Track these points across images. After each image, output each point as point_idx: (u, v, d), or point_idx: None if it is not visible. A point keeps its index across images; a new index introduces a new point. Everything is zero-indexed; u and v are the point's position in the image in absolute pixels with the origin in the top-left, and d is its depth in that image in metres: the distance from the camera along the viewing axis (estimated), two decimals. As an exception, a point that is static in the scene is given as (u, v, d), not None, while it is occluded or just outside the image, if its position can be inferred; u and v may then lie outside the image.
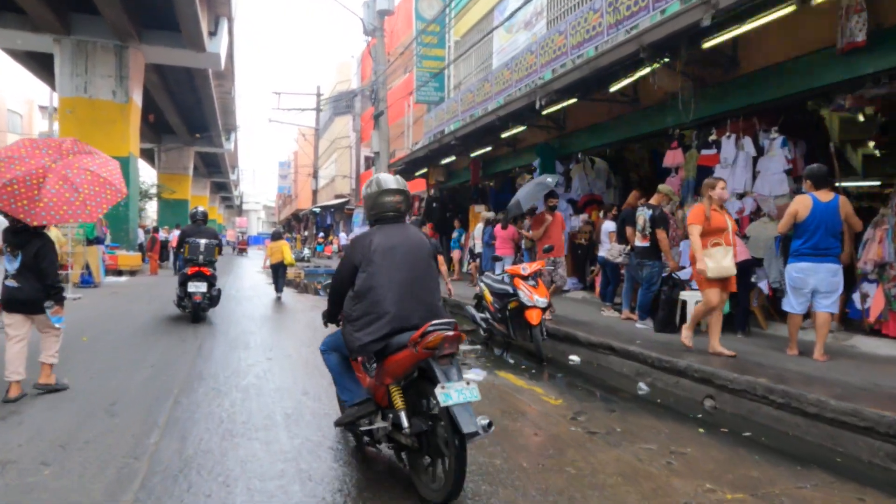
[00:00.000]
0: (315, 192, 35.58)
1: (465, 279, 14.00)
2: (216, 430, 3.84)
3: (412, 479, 3.00)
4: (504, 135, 11.58)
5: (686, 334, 5.66)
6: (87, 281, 13.34)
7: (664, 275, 6.88)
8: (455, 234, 15.20)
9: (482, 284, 7.51)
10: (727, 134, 7.36)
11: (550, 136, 11.18)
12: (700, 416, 4.52)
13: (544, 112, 9.72)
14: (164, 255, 21.41)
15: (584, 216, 10.87)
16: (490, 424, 2.71)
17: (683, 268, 7.25)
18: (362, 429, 3.20)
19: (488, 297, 7.23)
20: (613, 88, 8.10)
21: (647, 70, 6.99)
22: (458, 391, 2.71)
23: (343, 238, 30.17)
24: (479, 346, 7.31)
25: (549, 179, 7.54)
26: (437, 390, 2.69)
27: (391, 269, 3.04)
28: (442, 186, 17.31)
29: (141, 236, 21.01)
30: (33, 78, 25.18)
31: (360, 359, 3.33)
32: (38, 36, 18.74)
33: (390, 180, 3.23)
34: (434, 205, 17.20)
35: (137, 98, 20.45)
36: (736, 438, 3.98)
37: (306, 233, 41.46)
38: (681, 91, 7.24)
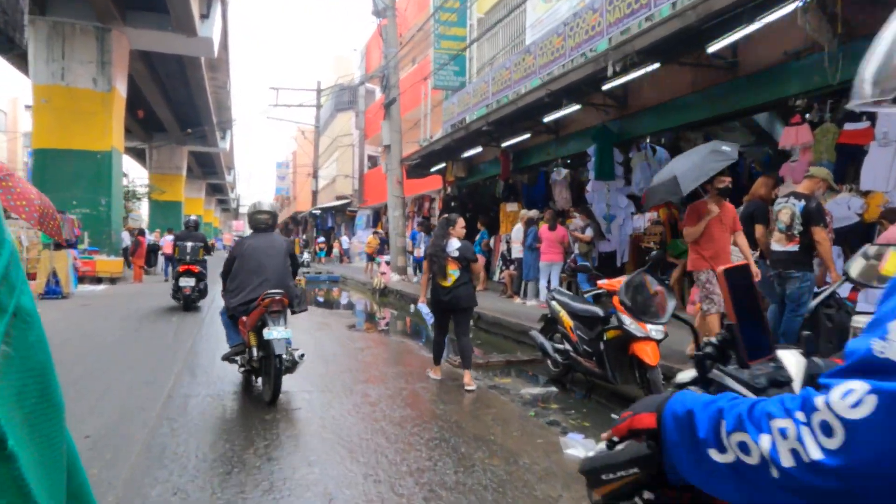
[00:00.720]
0: (315, 194, 33.55)
1: (495, 289, 12.05)
2: None
3: (261, 390, 4.87)
4: (548, 118, 9.66)
5: None
6: (53, 291, 11.36)
7: (816, 290, 4.97)
8: (477, 238, 13.21)
9: (555, 304, 5.58)
10: (887, 100, 5.47)
11: (608, 117, 9.26)
12: None
13: (609, 85, 7.83)
14: (151, 260, 19.30)
15: (651, 215, 8.97)
16: (302, 355, 4.72)
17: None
18: (234, 357, 5.10)
19: (567, 321, 5.29)
20: (717, 46, 6.19)
21: (792, 6, 5.06)
22: (277, 332, 4.49)
23: (345, 242, 28.15)
24: (553, 389, 5.37)
25: (726, 148, 4.99)
26: (265, 331, 4.55)
27: (255, 261, 4.92)
28: (461, 183, 15.32)
29: (126, 239, 18.96)
30: (18, 75, 23.26)
31: (243, 318, 4.83)
32: (9, 16, 16.82)
33: (264, 203, 5.26)
34: (452, 204, 15.22)
35: (121, 87, 18.48)
36: None
37: (304, 236, 39.38)
38: (827, 43, 5.34)
